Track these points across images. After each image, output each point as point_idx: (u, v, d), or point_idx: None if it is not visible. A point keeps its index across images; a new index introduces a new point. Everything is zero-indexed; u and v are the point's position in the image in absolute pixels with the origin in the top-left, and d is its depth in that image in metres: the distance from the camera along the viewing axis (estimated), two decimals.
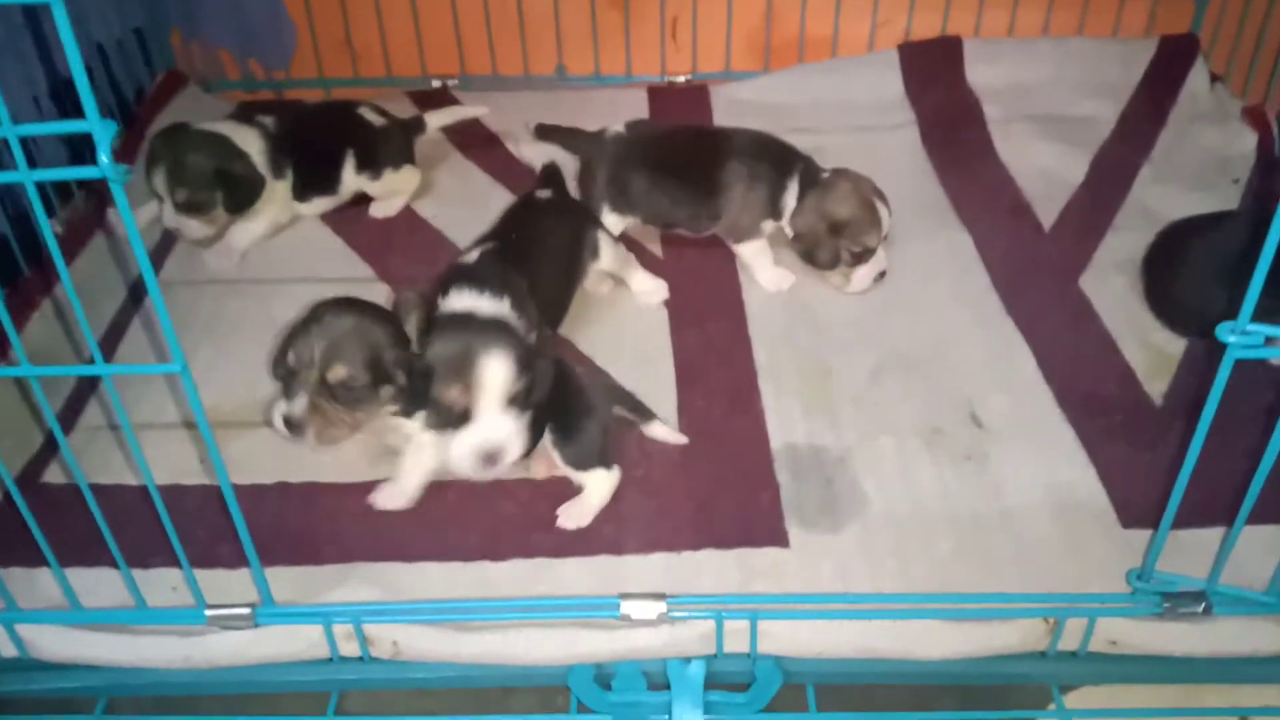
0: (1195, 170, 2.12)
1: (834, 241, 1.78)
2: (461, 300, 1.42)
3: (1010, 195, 2.07)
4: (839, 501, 1.44)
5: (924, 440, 1.53)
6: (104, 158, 0.84)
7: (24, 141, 0.89)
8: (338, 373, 1.31)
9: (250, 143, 1.95)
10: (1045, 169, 2.14)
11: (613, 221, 1.89)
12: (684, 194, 1.88)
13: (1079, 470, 1.48)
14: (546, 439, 1.45)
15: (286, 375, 1.35)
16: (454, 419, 1.33)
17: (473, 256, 1.57)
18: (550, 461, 1.47)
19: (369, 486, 1.47)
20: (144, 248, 0.92)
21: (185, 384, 1.00)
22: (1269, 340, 0.96)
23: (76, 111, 0.83)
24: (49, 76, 2.00)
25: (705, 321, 1.79)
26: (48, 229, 0.93)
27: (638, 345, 1.73)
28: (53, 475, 1.51)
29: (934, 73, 2.39)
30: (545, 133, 2.08)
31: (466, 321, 1.37)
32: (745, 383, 1.66)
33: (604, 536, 1.41)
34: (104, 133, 0.85)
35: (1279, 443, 1.03)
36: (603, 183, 1.89)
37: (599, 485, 1.44)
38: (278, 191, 1.99)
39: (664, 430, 1.54)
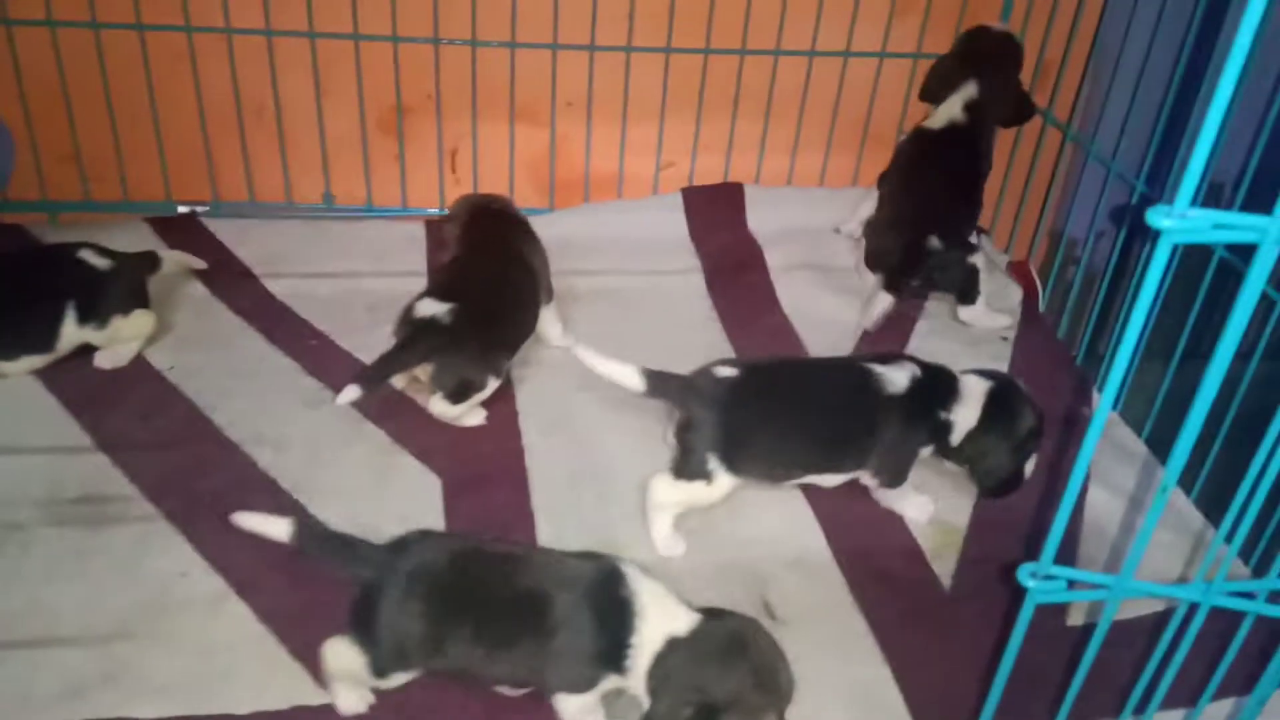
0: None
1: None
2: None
3: (792, 347, 2.04)
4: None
5: None
6: None
7: None
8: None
9: None
10: (826, 319, 2.12)
11: (726, 484, 1.54)
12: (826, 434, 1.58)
13: (875, 668, 1.40)
14: None
15: None
16: None
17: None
18: None
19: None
20: None
21: None
22: (1072, 584, 0.91)
23: None
24: None
25: (486, 488, 1.63)
26: None
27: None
28: None
29: (717, 218, 2.36)
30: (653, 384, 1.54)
31: None
32: None
33: None
34: None
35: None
36: (713, 437, 1.52)
37: None
38: None
39: None
